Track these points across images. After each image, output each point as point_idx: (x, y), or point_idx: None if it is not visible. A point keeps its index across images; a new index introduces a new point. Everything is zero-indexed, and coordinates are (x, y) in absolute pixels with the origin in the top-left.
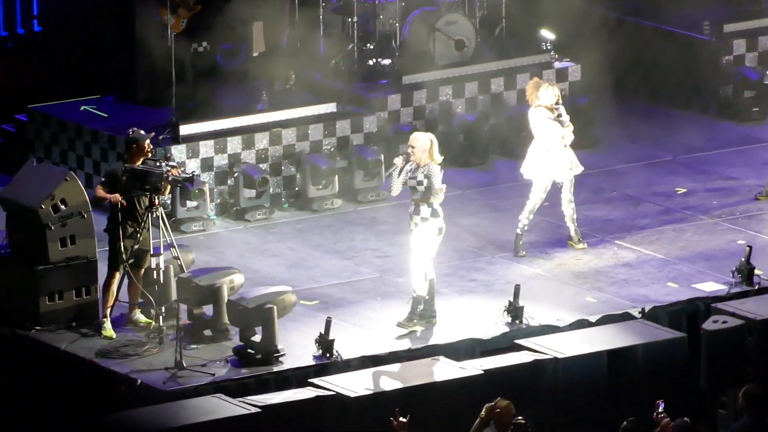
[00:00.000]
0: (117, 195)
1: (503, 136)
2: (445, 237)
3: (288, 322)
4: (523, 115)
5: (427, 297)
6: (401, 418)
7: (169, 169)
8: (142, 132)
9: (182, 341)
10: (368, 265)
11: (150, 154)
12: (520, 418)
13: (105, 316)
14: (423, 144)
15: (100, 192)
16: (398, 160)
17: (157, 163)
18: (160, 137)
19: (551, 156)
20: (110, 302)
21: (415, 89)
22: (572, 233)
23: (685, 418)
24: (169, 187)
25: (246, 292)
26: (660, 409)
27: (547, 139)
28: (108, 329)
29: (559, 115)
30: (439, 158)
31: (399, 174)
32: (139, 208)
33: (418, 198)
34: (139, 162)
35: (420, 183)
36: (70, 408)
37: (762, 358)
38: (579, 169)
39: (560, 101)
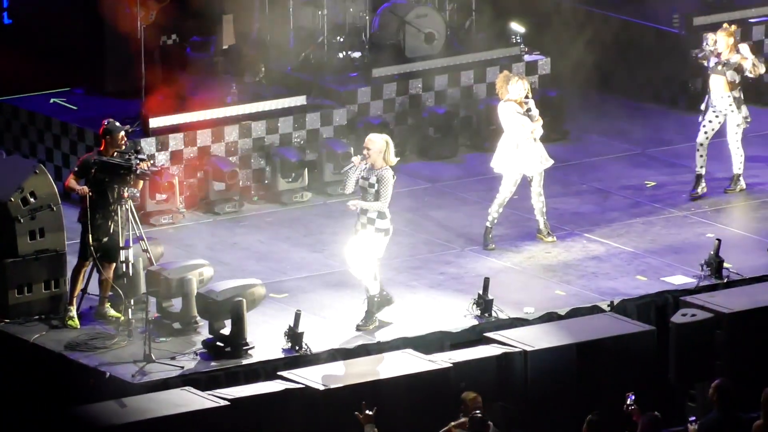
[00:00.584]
0: (84, 188)
1: (473, 129)
2: (415, 230)
3: (257, 315)
4: (493, 108)
5: (378, 292)
6: (367, 411)
7: (138, 162)
8: (117, 124)
9: (151, 334)
10: (337, 258)
11: (123, 147)
12: (477, 412)
13: (71, 305)
14: (378, 146)
15: (71, 182)
16: (356, 159)
17: (127, 156)
18: (130, 129)
19: (521, 150)
20: (77, 291)
21: (385, 82)
22: (541, 226)
23: (655, 413)
24: (140, 181)
25: (215, 284)
26: (629, 401)
27: (517, 133)
28: (73, 319)
29: (529, 109)
30: (394, 161)
31: (354, 172)
32: (110, 199)
33: (368, 199)
34: (111, 154)
35: (372, 185)
36: (39, 400)
37: (731, 351)
38: (549, 162)
39: (530, 95)
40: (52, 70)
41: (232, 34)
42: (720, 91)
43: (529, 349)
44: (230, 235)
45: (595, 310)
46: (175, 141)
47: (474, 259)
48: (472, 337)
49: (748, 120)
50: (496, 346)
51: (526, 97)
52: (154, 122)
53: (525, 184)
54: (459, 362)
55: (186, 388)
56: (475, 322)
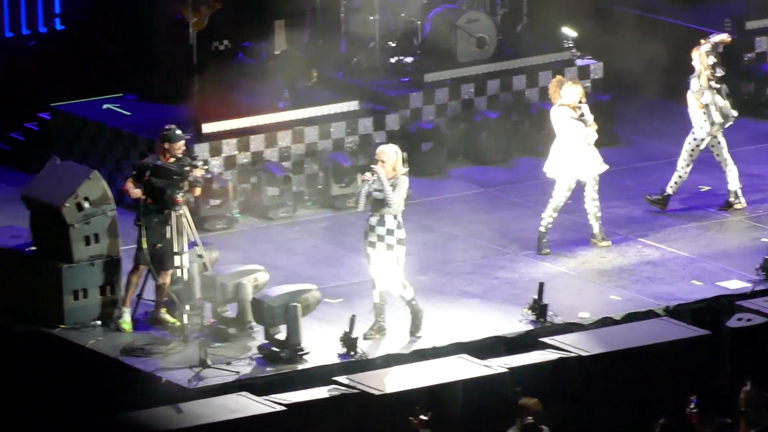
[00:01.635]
0: (137, 191)
1: (525, 134)
2: (469, 235)
3: (312, 319)
4: (545, 112)
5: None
6: (422, 416)
7: (191, 168)
8: (178, 132)
9: (207, 339)
10: None
11: (180, 153)
12: (530, 418)
13: (125, 308)
14: (392, 156)
15: (128, 185)
16: (368, 175)
17: (182, 162)
18: (187, 136)
19: (575, 154)
20: (130, 295)
21: (437, 87)
22: (596, 231)
23: (727, 420)
24: (198, 187)
25: (270, 290)
26: (692, 405)
27: (571, 137)
28: (126, 321)
29: (582, 114)
30: (403, 170)
31: (365, 188)
32: (164, 204)
33: (384, 210)
34: (168, 159)
35: (386, 194)
36: (95, 406)
37: None
38: (603, 167)
39: (584, 99)
40: (104, 76)
41: (285, 39)
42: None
43: (584, 354)
44: (284, 240)
45: (651, 315)
46: (228, 146)
47: (528, 264)
48: (528, 342)
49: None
50: (552, 351)
51: (580, 101)
52: (207, 128)
53: (579, 188)
54: (514, 367)
55: (242, 393)
56: (530, 327)
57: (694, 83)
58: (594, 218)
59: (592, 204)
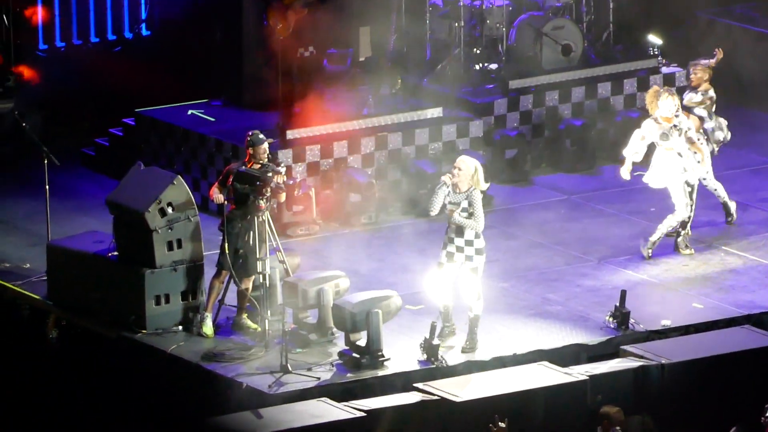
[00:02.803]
0: (220, 196)
1: (610, 142)
2: (552, 242)
3: (393, 326)
4: (630, 120)
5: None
6: (501, 423)
7: (273, 174)
8: (261, 136)
9: (288, 345)
10: None
11: (265, 159)
12: (618, 428)
13: (207, 313)
14: (469, 169)
15: (213, 190)
16: (445, 178)
17: (265, 168)
18: (271, 141)
19: (684, 159)
20: (213, 300)
21: (522, 94)
22: (680, 239)
23: None
24: (281, 193)
25: (351, 296)
26: (767, 413)
27: (680, 144)
28: (208, 326)
29: (675, 125)
30: (485, 186)
31: (442, 192)
32: (247, 210)
33: (455, 224)
34: (252, 165)
35: (464, 210)
36: (176, 411)
37: None
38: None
39: (680, 111)
40: (190, 82)
41: (369, 46)
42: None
43: (666, 362)
44: (366, 246)
45: (733, 323)
46: (312, 152)
47: (610, 272)
48: (609, 349)
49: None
50: (633, 359)
51: (676, 114)
52: (291, 134)
53: (666, 196)
54: (596, 375)
55: (322, 399)
56: (612, 334)
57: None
58: (682, 225)
59: (687, 209)
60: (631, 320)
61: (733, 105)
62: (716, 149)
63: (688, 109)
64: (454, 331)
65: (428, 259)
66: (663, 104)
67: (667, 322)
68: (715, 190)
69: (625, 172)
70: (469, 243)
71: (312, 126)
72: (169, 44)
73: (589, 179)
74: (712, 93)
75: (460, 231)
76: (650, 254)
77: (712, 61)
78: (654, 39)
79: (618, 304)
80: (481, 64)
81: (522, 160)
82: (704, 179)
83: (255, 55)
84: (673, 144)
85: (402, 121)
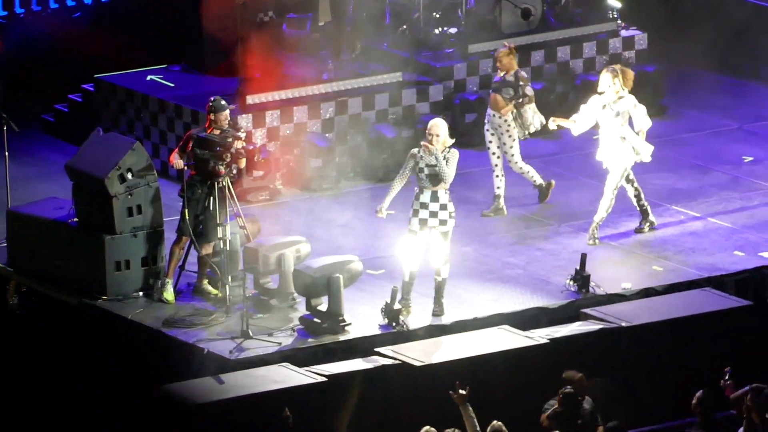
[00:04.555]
0: (180, 161)
1: (569, 105)
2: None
3: (354, 291)
4: (590, 83)
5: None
6: (461, 390)
7: (234, 140)
8: (223, 102)
9: (249, 311)
10: None
11: (226, 125)
12: (569, 387)
13: (167, 279)
14: (445, 129)
15: (173, 156)
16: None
17: (225, 134)
18: (232, 107)
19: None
20: (173, 266)
21: (482, 58)
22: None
23: (765, 389)
24: (242, 159)
25: (312, 261)
26: (727, 377)
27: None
28: (169, 292)
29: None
30: (451, 141)
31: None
32: (207, 176)
33: (438, 186)
34: (214, 131)
35: (431, 166)
36: (137, 377)
37: None
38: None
39: (619, 90)
40: (149, 48)
41: (329, 10)
42: (496, 110)
43: (626, 324)
44: (327, 211)
45: (693, 285)
46: (272, 118)
47: (571, 236)
48: (570, 313)
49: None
50: (594, 322)
51: (619, 94)
52: (251, 99)
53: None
54: (556, 338)
55: (283, 364)
56: (573, 298)
57: (506, 90)
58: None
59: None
60: (592, 283)
61: (693, 67)
62: (527, 134)
63: (496, 92)
64: (410, 308)
65: (389, 224)
66: (600, 79)
67: (627, 285)
68: (528, 172)
69: (552, 123)
70: (443, 207)
71: (272, 91)
72: (129, 10)
73: (549, 143)
74: (523, 73)
75: (434, 196)
76: (597, 241)
77: (511, 45)
78: (613, 2)
79: (578, 268)
80: (440, 29)
81: (482, 124)
82: (511, 160)
83: (214, 21)
84: (606, 123)
85: (362, 86)
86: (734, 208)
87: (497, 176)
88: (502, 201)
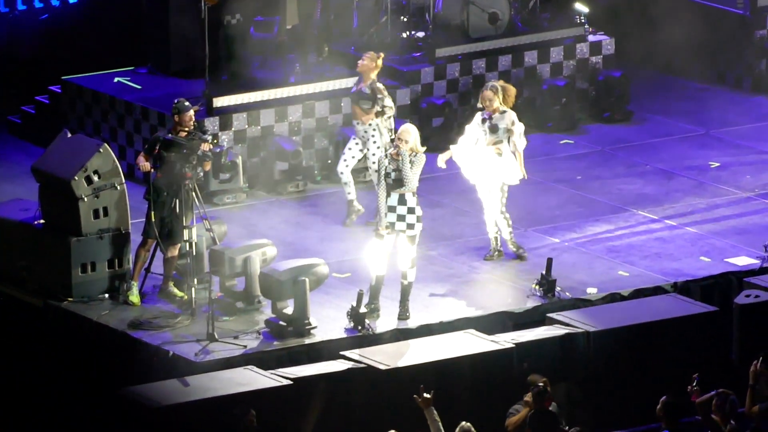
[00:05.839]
0: (147, 164)
1: (536, 110)
2: (478, 210)
3: (320, 294)
4: (557, 88)
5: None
6: (425, 395)
7: (200, 142)
8: (187, 103)
9: (214, 313)
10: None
11: (191, 126)
12: (540, 384)
13: (133, 281)
14: (416, 135)
15: (140, 158)
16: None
17: (192, 136)
18: (197, 109)
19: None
20: (139, 268)
21: (449, 62)
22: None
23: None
24: (207, 162)
25: (278, 264)
26: (694, 383)
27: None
28: (134, 294)
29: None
30: (422, 148)
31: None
32: (173, 178)
33: (401, 189)
34: (179, 133)
35: (398, 170)
36: (102, 379)
37: None
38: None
39: (498, 107)
40: (116, 50)
41: (296, 13)
42: (357, 119)
43: (592, 330)
44: (294, 214)
45: (659, 291)
46: (239, 121)
47: (537, 240)
48: (535, 317)
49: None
50: (559, 326)
51: (500, 109)
52: (218, 102)
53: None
54: (522, 343)
55: (249, 367)
56: (538, 302)
57: (365, 102)
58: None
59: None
60: (558, 288)
61: (659, 72)
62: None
63: (354, 103)
64: (378, 312)
65: (355, 228)
66: (480, 95)
67: (592, 290)
68: (347, 183)
69: (440, 162)
70: (411, 211)
71: (239, 94)
72: (96, 11)
73: None
74: (379, 85)
75: (402, 199)
76: (524, 254)
77: (370, 55)
78: (580, 7)
79: (544, 272)
80: (408, 32)
81: (449, 128)
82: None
83: (182, 23)
84: (482, 139)
85: (329, 89)
86: (700, 213)
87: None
88: (355, 204)
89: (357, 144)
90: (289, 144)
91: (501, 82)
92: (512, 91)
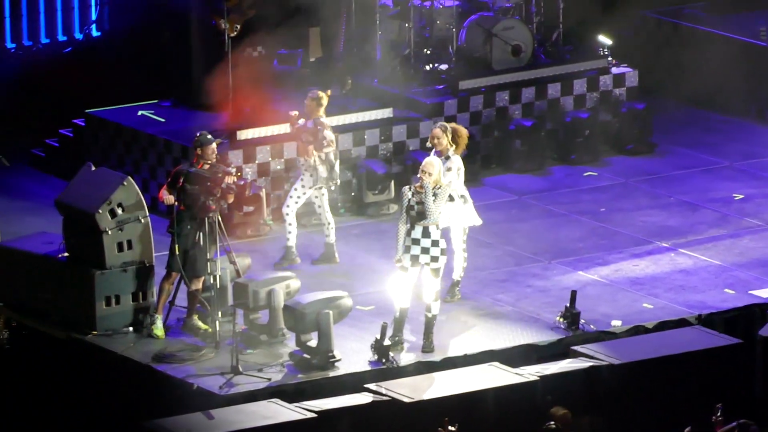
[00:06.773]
0: (171, 197)
1: (559, 142)
2: (502, 242)
3: (344, 327)
4: (580, 121)
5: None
6: (450, 427)
7: (223, 175)
8: (209, 136)
9: (238, 346)
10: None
11: (214, 159)
12: (552, 423)
13: (157, 315)
14: (439, 168)
15: (162, 192)
16: (406, 189)
17: (216, 169)
18: (219, 142)
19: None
20: (163, 301)
21: (472, 94)
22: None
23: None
24: (231, 194)
25: (302, 297)
26: (718, 413)
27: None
28: (158, 327)
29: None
30: (446, 181)
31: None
32: (197, 211)
33: (423, 222)
34: (201, 166)
35: (421, 203)
36: (127, 412)
37: None
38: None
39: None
40: (139, 83)
41: (319, 46)
42: (300, 155)
43: (616, 362)
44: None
45: (683, 323)
46: (262, 153)
47: (561, 272)
48: (559, 350)
49: (335, 183)
50: (584, 359)
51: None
52: (242, 135)
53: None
54: (546, 375)
55: (273, 400)
56: (562, 335)
57: (305, 136)
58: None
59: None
60: (582, 320)
61: (683, 105)
62: (334, 184)
63: (298, 138)
64: (402, 345)
65: (379, 260)
66: (431, 133)
67: (617, 323)
68: (290, 224)
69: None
70: (435, 243)
71: (262, 126)
72: (119, 45)
73: (539, 179)
74: (322, 120)
75: (426, 232)
76: (452, 300)
77: (316, 94)
78: (604, 39)
79: (568, 305)
80: (431, 65)
81: (472, 160)
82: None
83: (205, 56)
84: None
85: (352, 122)
86: (724, 245)
87: (326, 225)
88: (293, 252)
89: (303, 186)
90: None
91: (452, 125)
92: (463, 133)
